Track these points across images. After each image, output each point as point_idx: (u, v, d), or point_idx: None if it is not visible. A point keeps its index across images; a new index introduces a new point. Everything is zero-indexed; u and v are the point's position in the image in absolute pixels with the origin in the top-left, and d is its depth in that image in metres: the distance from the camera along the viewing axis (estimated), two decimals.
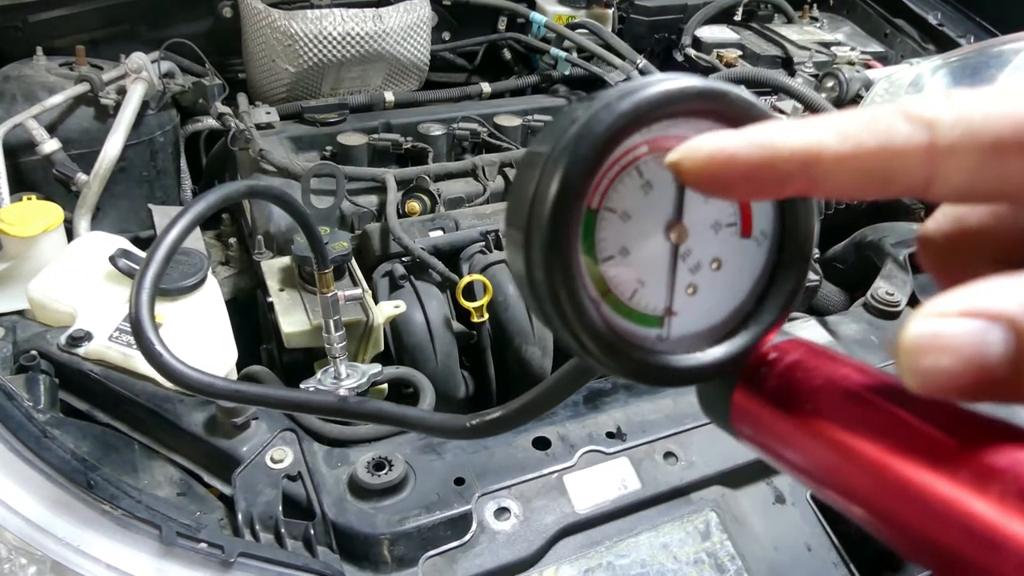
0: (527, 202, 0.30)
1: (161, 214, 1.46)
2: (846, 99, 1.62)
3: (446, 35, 1.91)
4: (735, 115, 0.31)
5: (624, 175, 0.32)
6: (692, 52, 1.86)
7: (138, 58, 1.42)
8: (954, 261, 0.29)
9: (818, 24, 2.09)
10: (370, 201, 1.36)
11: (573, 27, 1.79)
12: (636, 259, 0.33)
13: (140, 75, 1.42)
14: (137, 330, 0.52)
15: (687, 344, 0.34)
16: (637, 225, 0.32)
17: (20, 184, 1.36)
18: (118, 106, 1.41)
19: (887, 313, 1.23)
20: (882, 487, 0.26)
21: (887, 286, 1.26)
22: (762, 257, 0.34)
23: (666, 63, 1.93)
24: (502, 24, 1.94)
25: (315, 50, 1.55)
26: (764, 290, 0.34)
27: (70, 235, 1.26)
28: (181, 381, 0.52)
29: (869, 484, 0.26)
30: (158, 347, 0.52)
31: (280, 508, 0.87)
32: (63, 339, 1.01)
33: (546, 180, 0.30)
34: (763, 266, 0.34)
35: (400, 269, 1.24)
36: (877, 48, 1.98)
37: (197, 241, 1.35)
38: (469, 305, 1.19)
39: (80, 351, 1.00)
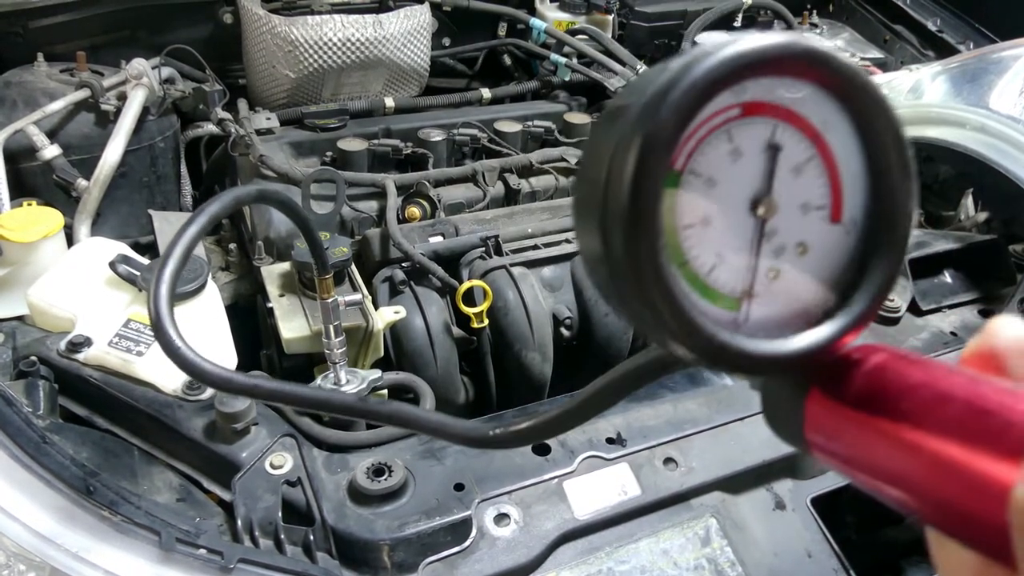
0: (605, 158, 0.28)
1: (161, 220, 1.46)
2: None
3: (446, 41, 1.91)
4: (836, 82, 0.29)
5: (712, 137, 0.29)
6: None
7: (139, 64, 1.43)
8: None
9: (818, 30, 2.10)
10: (370, 207, 1.36)
11: (573, 33, 1.80)
12: (718, 231, 0.30)
13: (140, 81, 1.42)
14: (157, 326, 0.52)
15: (765, 331, 0.31)
16: (722, 194, 0.30)
17: (20, 190, 1.36)
18: (118, 112, 1.41)
19: (887, 319, 1.23)
20: (991, 506, 0.23)
21: None
22: (851, 246, 0.32)
23: None
24: (502, 30, 1.95)
25: (315, 56, 1.55)
26: (851, 281, 0.32)
27: (70, 241, 1.26)
28: (200, 375, 0.52)
29: (975, 501, 0.23)
30: (177, 342, 0.52)
31: (280, 514, 0.87)
32: (63, 345, 1.01)
33: (629, 133, 0.27)
34: (852, 255, 0.32)
35: (400, 275, 1.24)
36: (876, 54, 1.98)
37: (197, 247, 1.35)
38: (469, 311, 1.19)
39: (80, 357, 1.00)
